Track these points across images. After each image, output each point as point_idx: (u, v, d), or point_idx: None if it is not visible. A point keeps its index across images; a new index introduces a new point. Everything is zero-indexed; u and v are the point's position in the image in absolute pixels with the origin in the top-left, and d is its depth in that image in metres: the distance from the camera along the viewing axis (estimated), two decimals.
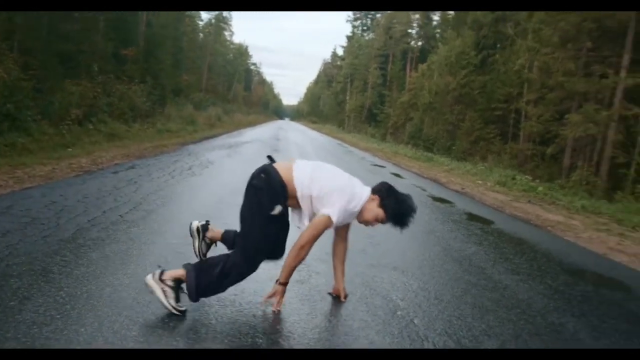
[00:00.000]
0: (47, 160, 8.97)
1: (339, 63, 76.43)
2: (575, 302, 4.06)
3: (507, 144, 26.61)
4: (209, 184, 8.39)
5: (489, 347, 2.99)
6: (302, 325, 3.05)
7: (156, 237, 4.67)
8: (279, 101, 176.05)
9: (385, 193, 3.26)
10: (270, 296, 3.18)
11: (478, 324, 3.36)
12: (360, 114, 57.76)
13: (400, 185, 10.89)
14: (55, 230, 4.51)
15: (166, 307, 2.92)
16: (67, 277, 3.37)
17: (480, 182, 13.83)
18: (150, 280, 2.96)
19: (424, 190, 10.72)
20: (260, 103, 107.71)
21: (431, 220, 7.22)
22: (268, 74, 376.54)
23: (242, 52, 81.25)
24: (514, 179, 14.25)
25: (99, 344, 2.51)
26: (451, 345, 2.97)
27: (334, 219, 3.03)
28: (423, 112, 33.64)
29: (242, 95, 79.21)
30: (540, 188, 12.69)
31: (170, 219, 5.51)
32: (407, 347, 2.88)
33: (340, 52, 78.27)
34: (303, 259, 3.12)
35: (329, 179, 3.15)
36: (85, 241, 4.27)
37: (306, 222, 3.14)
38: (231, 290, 3.23)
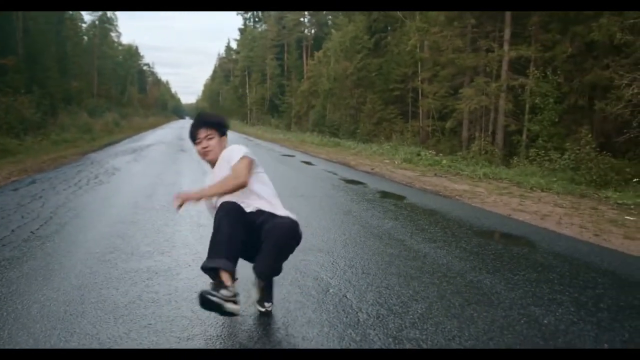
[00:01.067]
0: None
1: (234, 57, 75.54)
2: (488, 260, 4.38)
3: (408, 122, 27.68)
4: (120, 191, 8.14)
5: (418, 310, 3.19)
6: (241, 315, 3.10)
7: (76, 248, 4.52)
8: (178, 100, 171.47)
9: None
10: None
11: (405, 290, 3.57)
12: (262, 105, 57.66)
13: (312, 172, 11.10)
14: None
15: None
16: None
17: (387, 161, 14.35)
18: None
19: (335, 174, 10.98)
20: (158, 104, 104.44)
21: (346, 201, 7.44)
22: (162, 73, 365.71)
23: (132, 53, 78.07)
24: (419, 155, 14.91)
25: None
26: (383, 312, 3.14)
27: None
28: (324, 98, 34.15)
29: (137, 97, 76.36)
30: (444, 161, 13.37)
31: (86, 229, 5.33)
32: (343, 320, 3.01)
33: (234, 45, 77.43)
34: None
35: None
36: (0, 261, 4.05)
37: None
38: (165, 290, 3.22)
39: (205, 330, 2.85)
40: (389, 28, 31.52)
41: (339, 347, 2.65)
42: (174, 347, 2.62)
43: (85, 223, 5.68)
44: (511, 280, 3.82)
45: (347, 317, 3.07)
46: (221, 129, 3.21)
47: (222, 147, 3.15)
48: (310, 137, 26.21)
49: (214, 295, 2.56)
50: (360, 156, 15.72)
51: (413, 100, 28.25)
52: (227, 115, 69.06)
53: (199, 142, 3.15)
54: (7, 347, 2.57)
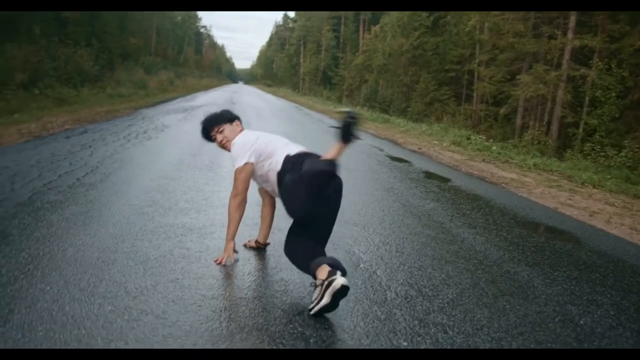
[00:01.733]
0: None
1: (291, 25, 75.23)
2: (529, 253, 4.23)
3: (461, 105, 27.05)
4: (166, 147, 8.25)
5: (448, 295, 3.11)
6: (267, 280, 3.09)
7: (117, 198, 4.61)
8: (232, 65, 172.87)
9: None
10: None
11: (438, 274, 3.48)
12: (315, 76, 57.36)
13: (358, 146, 11.01)
14: (10, 195, 4.39)
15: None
16: (28, 239, 3.31)
17: (436, 142, 14.05)
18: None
19: (382, 150, 10.84)
20: (213, 67, 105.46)
21: (389, 178, 7.33)
22: (218, 37, 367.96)
23: (190, 15, 78.74)
24: (468, 138, 14.54)
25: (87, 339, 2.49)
26: (412, 293, 3.07)
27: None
28: (377, 74, 33.69)
29: (193, 59, 77.26)
30: (494, 147, 13.00)
31: (129, 181, 5.42)
32: (370, 296, 2.96)
33: (292, 14, 77.02)
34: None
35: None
36: (43, 204, 4.17)
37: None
38: (197, 247, 3.24)
39: (230, 292, 2.86)
40: None
41: (363, 324, 2.61)
42: (195, 304, 2.63)
43: (129, 175, 5.77)
44: (550, 276, 3.68)
45: (374, 294, 3.02)
46: (227, 118, 3.40)
47: (237, 132, 3.35)
48: (360, 111, 25.95)
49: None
50: (408, 135, 15.46)
51: (468, 83, 27.56)
52: (280, 83, 69.41)
53: (215, 139, 3.38)
54: (39, 285, 2.64)
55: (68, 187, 4.85)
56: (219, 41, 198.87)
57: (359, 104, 32.49)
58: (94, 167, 5.94)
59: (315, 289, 2.64)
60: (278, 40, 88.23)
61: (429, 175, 8.04)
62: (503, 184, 7.88)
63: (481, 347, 2.50)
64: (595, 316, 3.01)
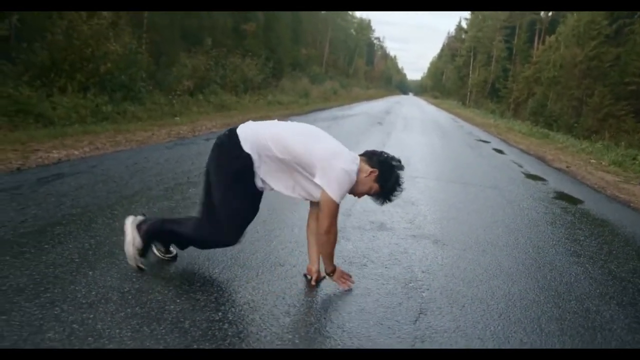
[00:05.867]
0: (150, 127, 9.66)
1: (463, 37, 73.60)
2: (631, 290, 3.67)
3: None
4: None
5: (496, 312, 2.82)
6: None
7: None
8: (403, 76, 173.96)
9: (382, 166, 2.86)
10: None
11: (485, 305, 3.18)
12: (483, 89, 55.49)
13: (495, 161, 10.39)
14: (121, 188, 4.89)
15: (127, 255, 2.91)
16: (106, 228, 3.66)
17: (593, 160, 12.80)
18: (129, 224, 2.93)
19: (521, 166, 10.13)
20: (382, 77, 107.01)
21: (512, 196, 6.82)
22: (391, 48, 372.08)
23: (363, 27, 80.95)
24: (634, 159, 13.01)
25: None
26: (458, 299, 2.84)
27: (336, 199, 2.73)
28: (547, 86, 31.55)
29: (363, 69, 79.18)
30: None
31: None
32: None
33: (464, 24, 75.27)
34: (334, 241, 2.91)
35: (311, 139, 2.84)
36: (141, 198, 4.59)
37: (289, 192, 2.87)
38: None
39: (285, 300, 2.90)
40: (636, 14, 27.57)
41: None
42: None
43: None
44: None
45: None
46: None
47: (364, 177, 2.85)
48: (520, 125, 24.50)
49: None
50: (564, 152, 14.24)
51: None
52: (448, 95, 68.22)
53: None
54: (85, 270, 2.91)
55: (175, 184, 5.27)
56: (392, 52, 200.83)
57: (524, 118, 30.65)
58: None
59: None
60: (449, 51, 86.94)
61: (560, 195, 7.35)
62: None
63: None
64: None
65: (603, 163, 12.35)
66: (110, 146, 7.30)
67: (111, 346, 2.16)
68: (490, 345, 2.58)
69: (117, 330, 2.28)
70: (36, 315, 2.33)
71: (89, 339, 2.19)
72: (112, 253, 3.18)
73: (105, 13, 11.08)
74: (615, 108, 25.19)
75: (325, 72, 46.40)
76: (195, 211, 3.46)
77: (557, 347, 2.66)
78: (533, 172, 9.55)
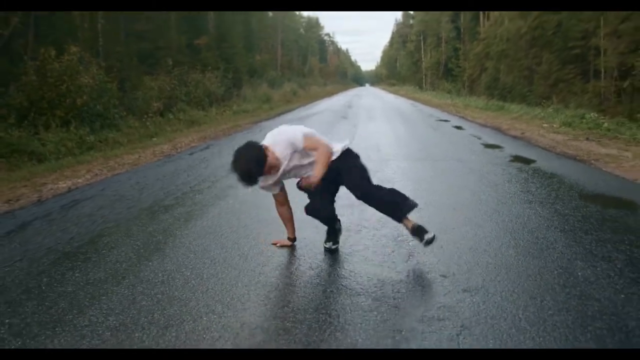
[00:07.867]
0: (134, 150, 10.30)
1: (411, 22, 75.09)
2: (572, 221, 4.53)
3: (589, 83, 25.58)
4: None
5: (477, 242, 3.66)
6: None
7: (217, 200, 5.65)
8: (358, 68, 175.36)
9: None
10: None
11: (459, 223, 4.02)
12: (437, 70, 56.84)
13: (456, 137, 11.28)
14: (136, 203, 5.62)
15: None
16: (143, 233, 4.40)
17: (546, 125, 13.87)
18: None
19: (479, 138, 11.11)
20: (338, 73, 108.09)
21: (474, 164, 7.72)
22: (343, 42, 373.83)
23: (312, 25, 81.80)
24: (582, 118, 14.11)
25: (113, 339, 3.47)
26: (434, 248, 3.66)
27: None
28: (497, 60, 32.88)
29: (318, 67, 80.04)
30: (605, 124, 12.58)
31: (231, 185, 6.44)
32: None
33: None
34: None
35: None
36: (159, 208, 5.32)
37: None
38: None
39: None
40: None
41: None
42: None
43: (233, 180, 6.83)
44: (579, 239, 4.03)
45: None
46: (260, 158, 3.44)
47: (275, 151, 3.52)
48: (476, 101, 25.72)
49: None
50: (518, 120, 15.33)
51: (594, 59, 25.99)
52: (403, 81, 69.57)
53: (265, 181, 3.70)
54: (144, 262, 3.65)
55: (181, 194, 6.00)
56: (343, 46, 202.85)
57: (479, 94, 31.93)
58: (206, 177, 7.11)
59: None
60: (399, 37, 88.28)
61: (515, 158, 8.30)
62: (592, 160, 7.92)
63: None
64: (597, 270, 3.40)
65: (555, 126, 13.43)
66: (107, 171, 7.96)
67: (169, 307, 2.93)
68: (464, 267, 3.43)
69: (191, 294, 3.06)
70: (126, 295, 3.08)
71: (169, 306, 2.96)
72: (159, 249, 3.93)
73: (73, 48, 11.65)
74: (563, 72, 26.47)
75: (281, 74, 47.09)
76: (206, 214, 4.22)
77: (514, 265, 3.49)
78: (491, 142, 10.52)
